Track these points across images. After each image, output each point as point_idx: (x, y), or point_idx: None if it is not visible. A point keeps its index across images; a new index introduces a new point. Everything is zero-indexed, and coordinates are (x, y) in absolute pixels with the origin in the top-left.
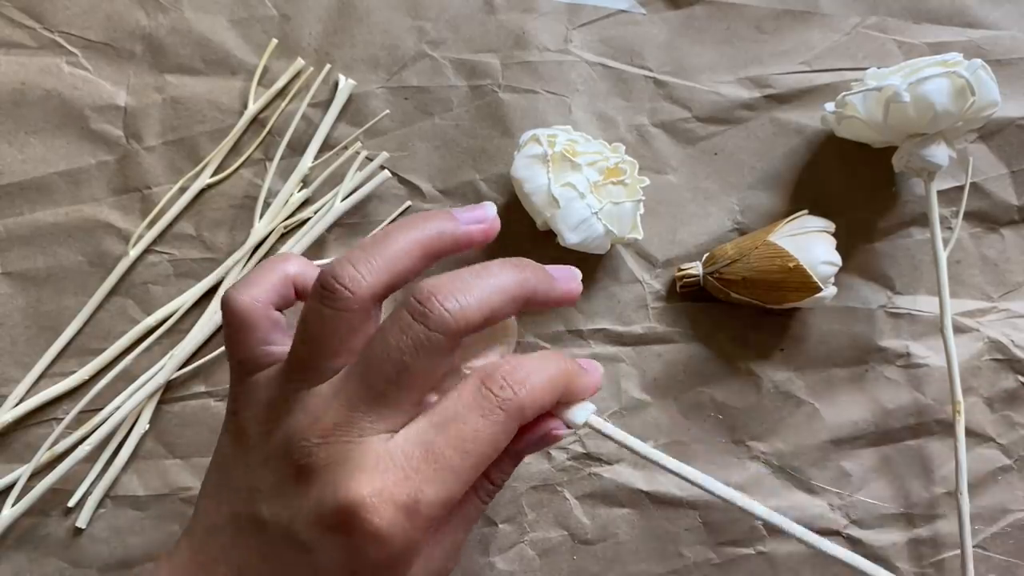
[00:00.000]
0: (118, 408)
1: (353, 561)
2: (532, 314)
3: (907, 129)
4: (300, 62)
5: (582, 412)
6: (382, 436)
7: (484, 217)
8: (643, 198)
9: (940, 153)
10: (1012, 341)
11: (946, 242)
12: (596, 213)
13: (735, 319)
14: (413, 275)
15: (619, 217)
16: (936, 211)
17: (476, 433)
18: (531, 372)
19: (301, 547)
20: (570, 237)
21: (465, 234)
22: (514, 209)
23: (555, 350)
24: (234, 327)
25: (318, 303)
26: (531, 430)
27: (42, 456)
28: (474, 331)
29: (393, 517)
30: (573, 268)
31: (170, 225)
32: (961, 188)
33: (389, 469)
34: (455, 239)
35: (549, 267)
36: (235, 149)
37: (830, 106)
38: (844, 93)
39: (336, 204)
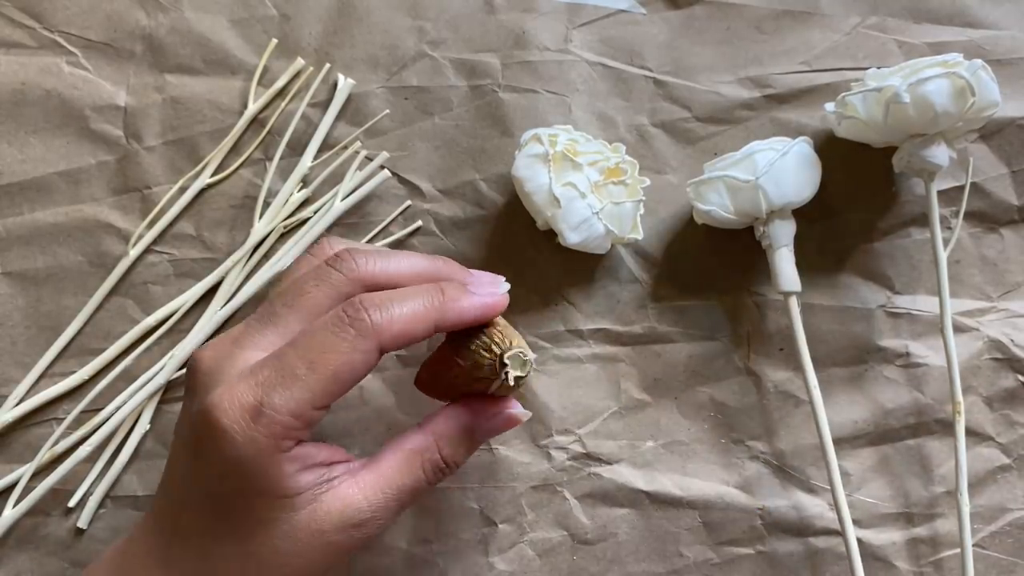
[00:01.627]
0: (119, 408)
1: (213, 460)
2: (530, 314)
3: (907, 129)
4: (300, 62)
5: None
6: (258, 353)
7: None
8: (643, 198)
9: (940, 153)
10: (1012, 340)
11: (946, 242)
12: (597, 213)
13: (735, 319)
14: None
15: (619, 217)
16: (936, 211)
17: (323, 346)
18: (393, 299)
19: (188, 453)
20: (571, 237)
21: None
22: (515, 208)
23: (434, 284)
24: None
25: (327, 268)
26: (486, 412)
27: (43, 456)
28: (372, 286)
29: (237, 417)
30: (494, 276)
31: (170, 225)
32: (961, 188)
33: (245, 378)
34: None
35: (476, 272)
36: (235, 149)
37: (830, 106)
38: (844, 94)
39: (336, 204)
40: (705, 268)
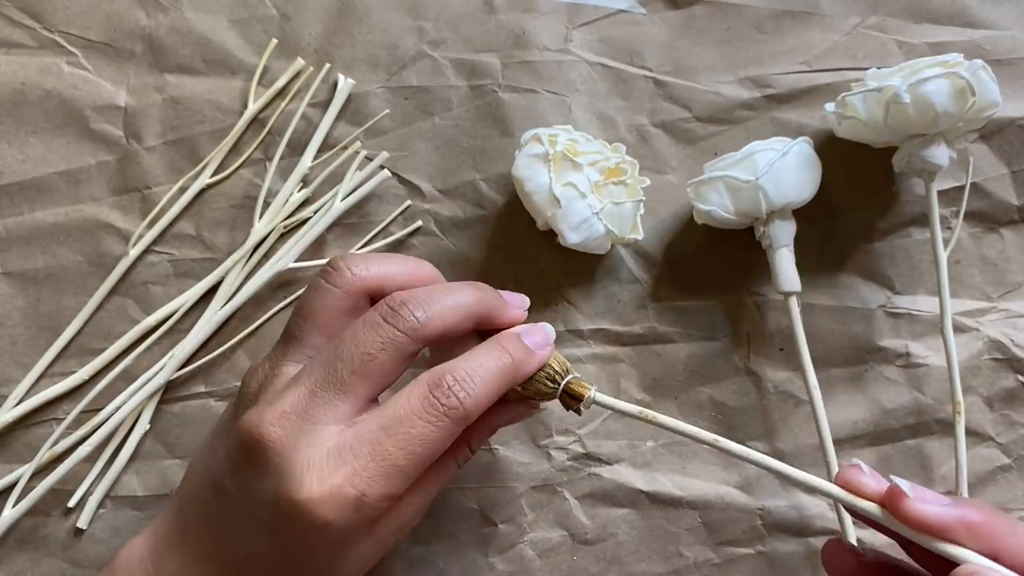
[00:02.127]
0: (118, 408)
1: (302, 546)
2: (530, 314)
3: (907, 130)
4: (300, 62)
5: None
6: (333, 428)
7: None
8: (643, 198)
9: (940, 154)
10: (1012, 341)
11: (946, 242)
12: (597, 213)
13: (735, 319)
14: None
15: (619, 217)
16: (936, 211)
17: (423, 438)
18: (476, 377)
19: (261, 524)
20: (571, 237)
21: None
22: (515, 208)
23: (501, 343)
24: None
25: (319, 280)
26: (507, 403)
27: (43, 456)
28: (434, 340)
29: (341, 512)
30: (523, 296)
31: (170, 225)
32: (961, 188)
33: (339, 465)
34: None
35: (504, 293)
36: (235, 149)
37: (830, 106)
38: (844, 94)
39: (336, 204)
40: (705, 268)
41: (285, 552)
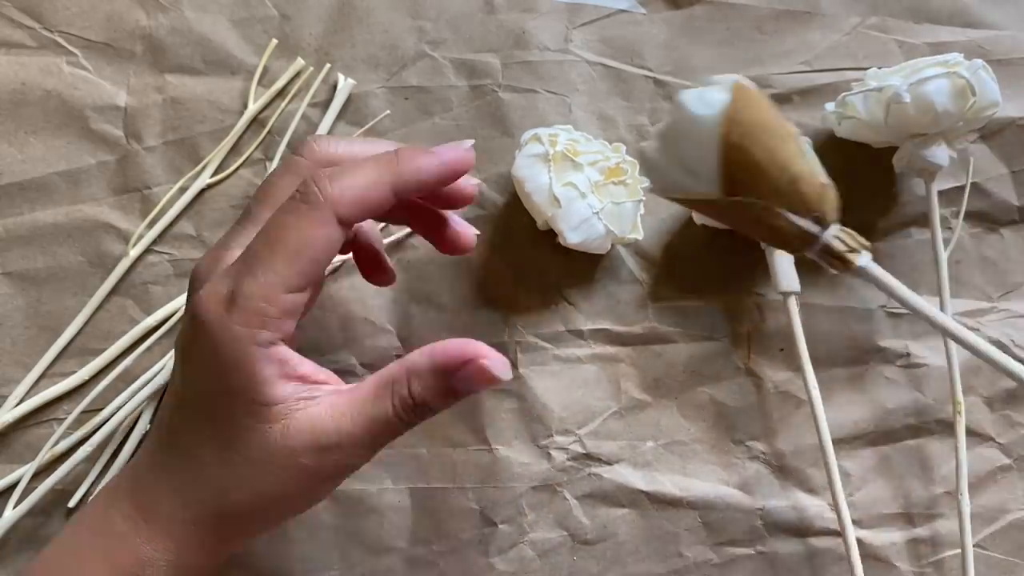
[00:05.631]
0: (119, 409)
1: (196, 354)
2: (530, 314)
3: (908, 129)
4: (300, 62)
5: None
6: (238, 250)
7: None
8: (644, 198)
9: (941, 153)
10: (1012, 341)
11: (946, 242)
12: (597, 213)
13: (735, 319)
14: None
15: (620, 217)
16: (936, 211)
17: (279, 226)
18: (344, 169)
19: (179, 355)
20: (571, 237)
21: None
22: (515, 208)
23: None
24: None
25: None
26: (465, 356)
27: (43, 457)
28: (349, 211)
29: (213, 308)
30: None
31: (170, 225)
32: (961, 188)
33: (221, 275)
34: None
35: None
36: (235, 149)
37: (830, 106)
38: (845, 93)
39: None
40: (705, 268)
41: (192, 383)
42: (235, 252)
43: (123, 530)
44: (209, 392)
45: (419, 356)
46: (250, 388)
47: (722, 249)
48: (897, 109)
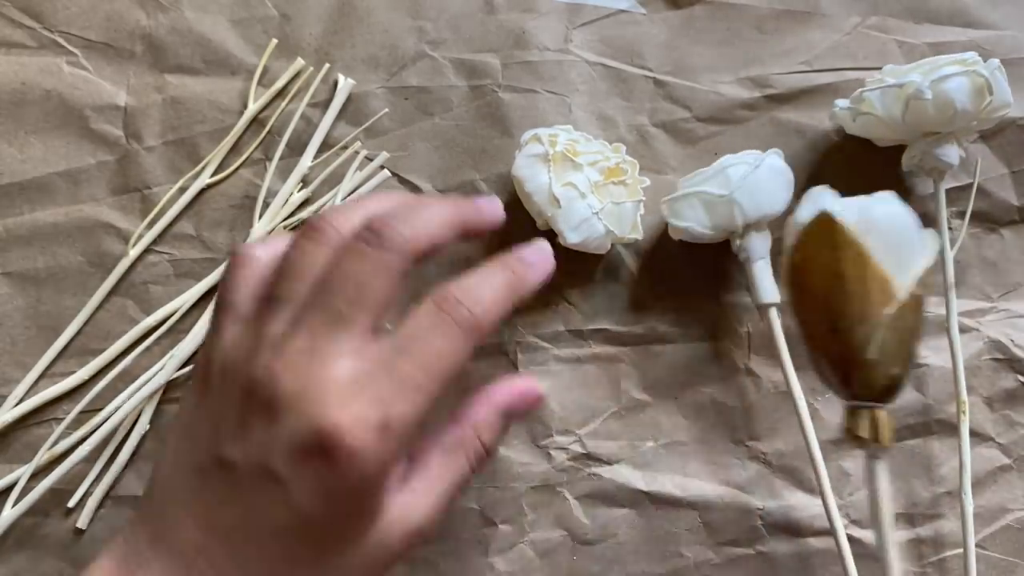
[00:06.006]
0: (118, 408)
1: (330, 486)
2: (530, 314)
3: (923, 127)
4: (300, 62)
5: None
6: (345, 361)
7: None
8: (644, 198)
9: (952, 153)
10: (1012, 341)
11: (950, 243)
12: (597, 213)
13: (735, 319)
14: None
15: (620, 217)
16: (944, 211)
17: (438, 351)
18: (481, 287)
19: (276, 481)
20: (571, 236)
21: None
22: (514, 208)
23: (499, 261)
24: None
25: (301, 238)
26: (514, 392)
27: (42, 456)
28: (422, 254)
29: (367, 436)
30: (493, 197)
31: (170, 225)
32: (961, 188)
33: (358, 392)
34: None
35: (475, 199)
36: (235, 149)
37: (843, 102)
38: (861, 89)
39: (336, 204)
40: (705, 268)
41: (302, 509)
42: (340, 363)
43: None
44: (318, 518)
45: (479, 409)
46: (379, 506)
47: (722, 249)
48: (916, 106)
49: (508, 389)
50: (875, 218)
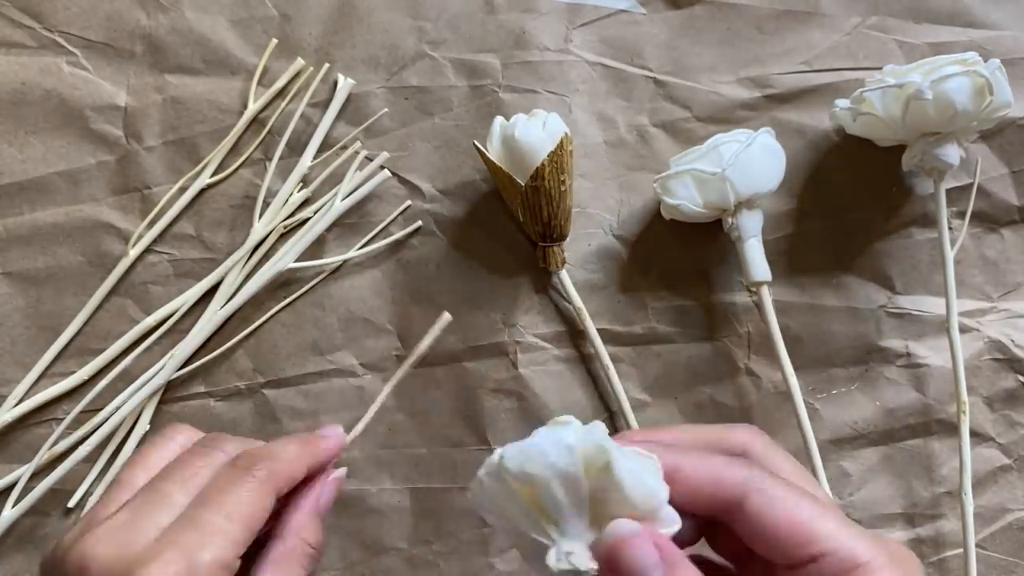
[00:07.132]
0: (118, 408)
1: None
2: (530, 314)
3: (923, 127)
4: (300, 62)
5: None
6: (156, 527)
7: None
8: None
9: (952, 152)
10: (1012, 341)
11: (951, 242)
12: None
13: (735, 319)
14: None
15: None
16: (944, 211)
17: (236, 499)
18: (272, 447)
19: None
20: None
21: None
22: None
23: (296, 436)
24: None
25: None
26: (322, 487)
27: (42, 456)
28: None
29: None
30: (335, 427)
31: (170, 225)
32: (961, 188)
33: (162, 554)
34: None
35: (320, 431)
36: (235, 149)
37: (843, 103)
38: (861, 89)
39: (336, 204)
40: (705, 269)
41: None
42: (152, 536)
43: None
44: None
45: (297, 516)
46: None
47: (722, 250)
48: (917, 106)
49: (315, 491)
50: None
